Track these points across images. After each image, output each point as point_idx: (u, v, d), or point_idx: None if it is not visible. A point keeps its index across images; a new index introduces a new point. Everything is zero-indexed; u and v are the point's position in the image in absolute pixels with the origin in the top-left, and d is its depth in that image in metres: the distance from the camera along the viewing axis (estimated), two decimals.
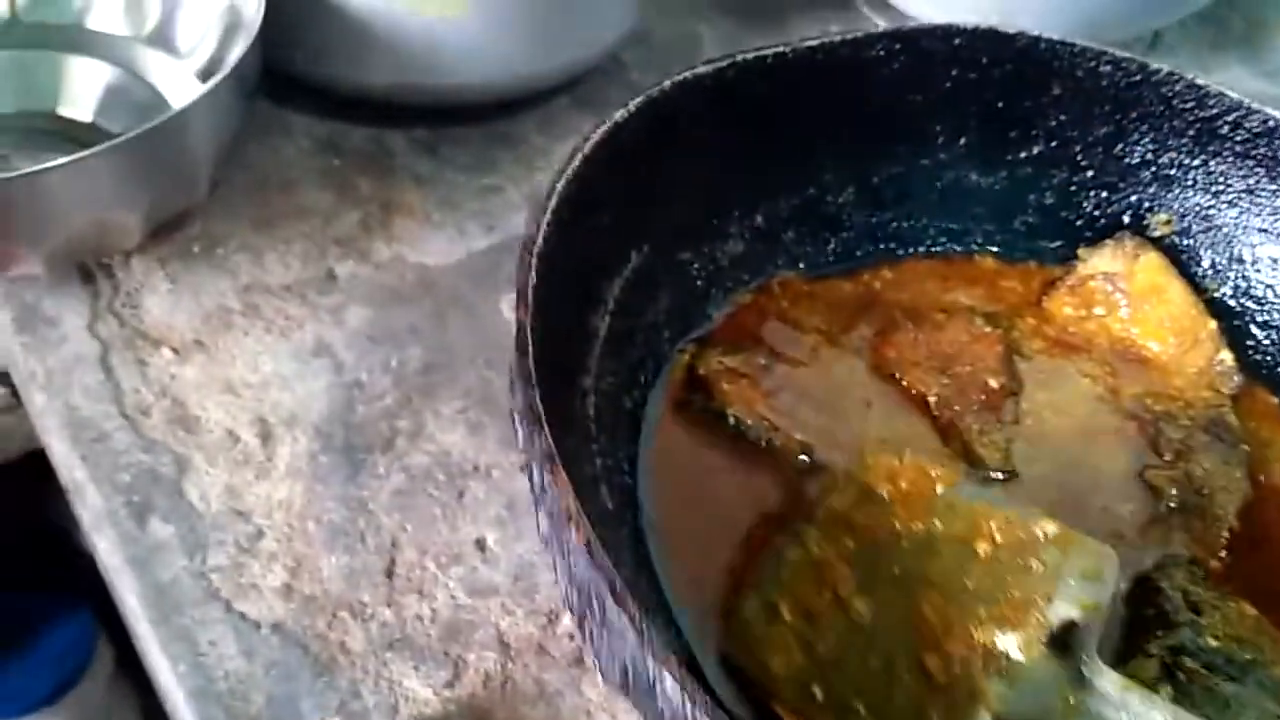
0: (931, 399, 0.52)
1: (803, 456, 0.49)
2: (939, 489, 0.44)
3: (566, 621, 0.49)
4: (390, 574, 0.50)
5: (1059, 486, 0.50)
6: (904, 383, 0.53)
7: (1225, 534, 0.49)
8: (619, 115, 0.45)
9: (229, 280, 0.60)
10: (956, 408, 0.51)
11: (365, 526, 0.51)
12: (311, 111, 0.71)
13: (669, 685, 0.28)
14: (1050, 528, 0.41)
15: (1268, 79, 0.87)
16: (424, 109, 0.70)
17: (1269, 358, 0.57)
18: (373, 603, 0.48)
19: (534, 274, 0.38)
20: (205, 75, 0.64)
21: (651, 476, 0.48)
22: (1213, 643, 0.42)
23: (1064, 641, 0.38)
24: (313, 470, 0.52)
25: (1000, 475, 0.50)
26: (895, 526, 0.43)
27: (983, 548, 0.41)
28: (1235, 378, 0.55)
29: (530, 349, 0.36)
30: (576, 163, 0.42)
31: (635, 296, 0.49)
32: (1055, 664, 0.38)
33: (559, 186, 0.41)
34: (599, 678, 0.34)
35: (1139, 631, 0.44)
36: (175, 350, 0.56)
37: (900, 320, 0.55)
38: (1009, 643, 0.38)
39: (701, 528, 0.47)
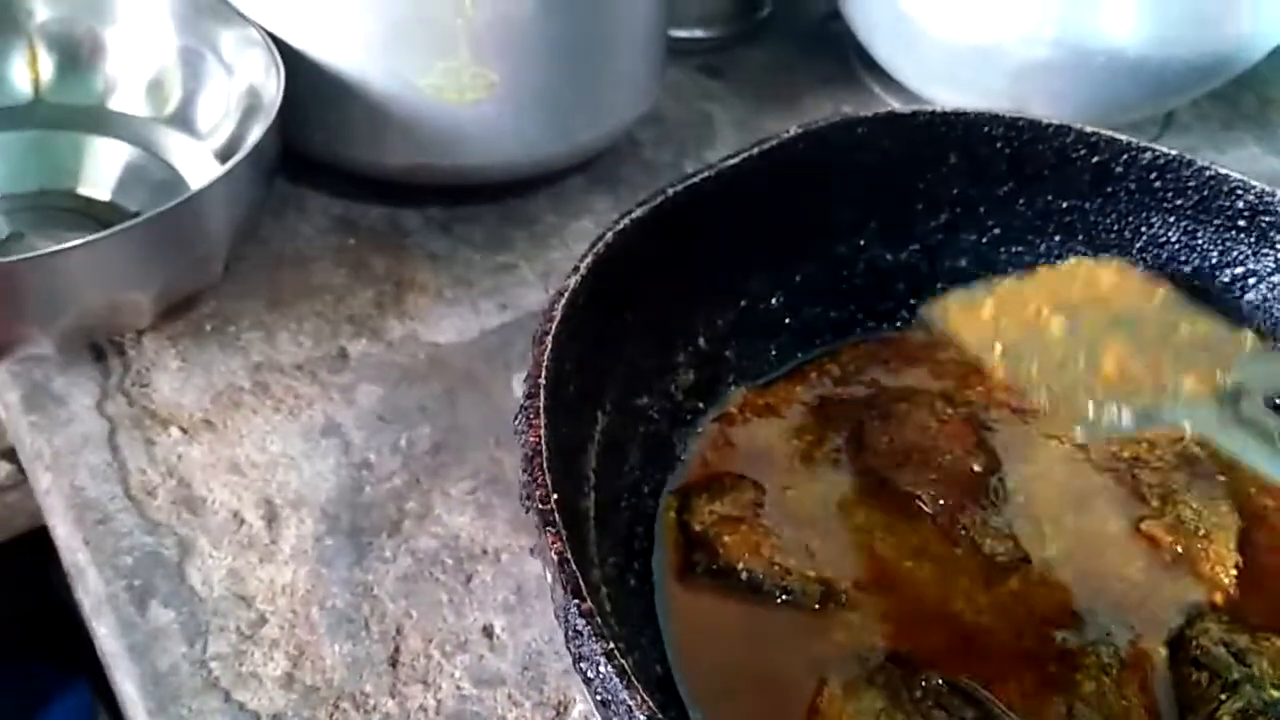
0: (924, 498, 0.51)
1: (822, 594, 0.47)
2: None
3: (575, 714, 0.47)
4: (394, 663, 0.48)
5: (1071, 562, 0.49)
6: (893, 486, 0.52)
7: (1233, 570, 0.48)
8: (571, 282, 0.43)
9: (240, 359, 0.60)
10: (950, 502, 0.50)
11: (370, 613, 0.50)
12: (327, 190, 0.71)
13: None
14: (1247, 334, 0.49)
15: (1278, 155, 0.88)
16: (440, 188, 0.71)
17: None
18: (375, 693, 0.47)
19: (550, 486, 0.36)
20: (224, 156, 0.65)
21: (681, 659, 0.45)
22: (1275, 693, 0.42)
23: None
24: (318, 554, 0.52)
25: (1016, 562, 0.49)
26: None
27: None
28: None
29: (578, 578, 0.34)
30: (549, 347, 0.40)
31: (609, 460, 0.47)
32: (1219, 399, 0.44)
33: (540, 384, 0.39)
34: None
35: (1201, 701, 0.43)
36: (183, 429, 0.56)
37: (868, 421, 0.54)
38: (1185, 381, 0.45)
39: (750, 703, 0.44)
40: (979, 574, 0.49)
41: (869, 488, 0.52)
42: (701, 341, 0.55)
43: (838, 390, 0.57)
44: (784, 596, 0.47)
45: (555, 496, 0.34)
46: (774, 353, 0.58)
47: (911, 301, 0.61)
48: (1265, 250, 0.57)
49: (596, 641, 0.30)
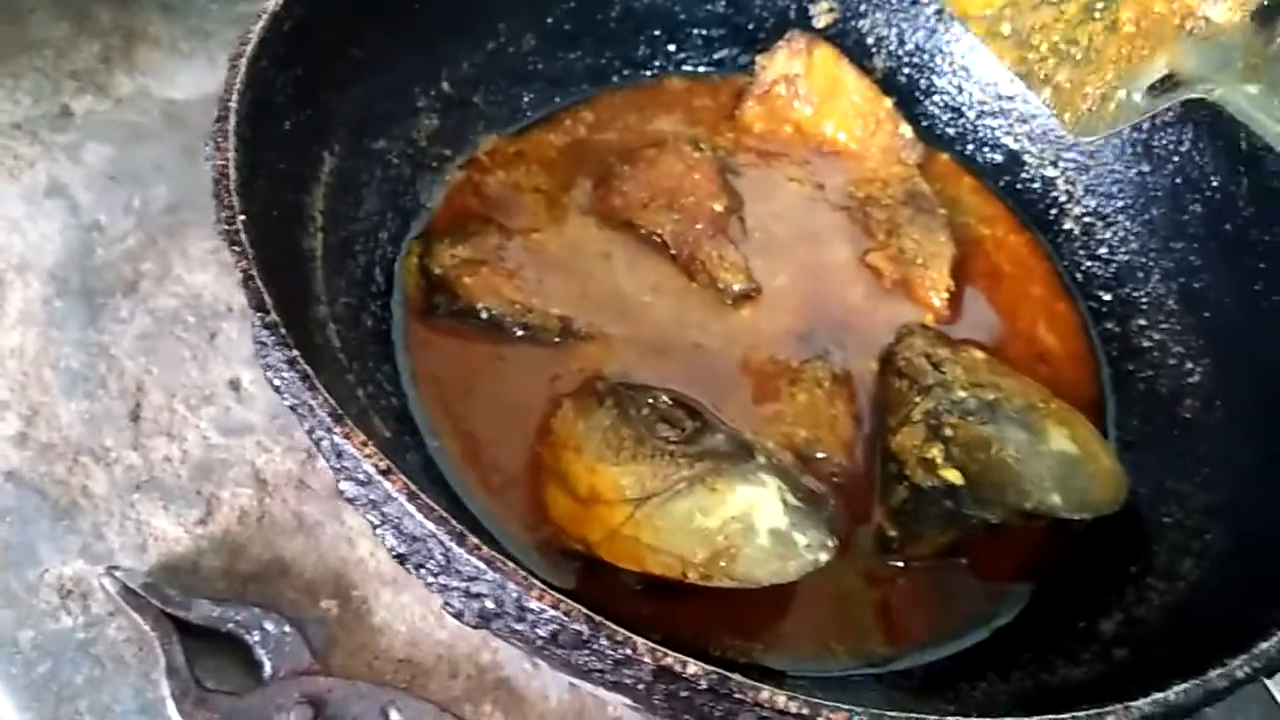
0: (666, 237, 0.52)
1: (562, 328, 0.49)
2: None
3: None
4: (136, 418, 0.48)
5: (799, 291, 0.52)
6: (636, 227, 0.53)
7: (945, 293, 0.53)
8: (273, 4, 0.40)
9: None
10: (690, 239, 0.52)
11: (107, 371, 0.49)
12: None
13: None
14: None
15: None
16: None
17: (939, 122, 0.61)
18: (117, 446, 0.47)
19: (236, 208, 0.34)
20: None
21: (419, 392, 0.46)
22: (961, 394, 0.46)
23: (1268, 15, 0.39)
24: (47, 316, 0.50)
25: (748, 292, 0.51)
26: None
27: None
28: (917, 147, 0.59)
29: (266, 300, 0.33)
30: (242, 73, 0.38)
31: (341, 203, 0.46)
32: (1252, 30, 0.39)
33: (231, 105, 0.37)
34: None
35: (899, 404, 0.47)
36: None
37: (616, 166, 0.55)
38: (1215, 9, 0.39)
39: (489, 430, 0.45)
40: (714, 305, 0.51)
41: (613, 229, 0.53)
42: (446, 85, 0.53)
43: (590, 136, 0.57)
44: (523, 332, 0.48)
45: (243, 218, 0.33)
46: (527, 100, 0.57)
47: (669, 48, 0.61)
48: None
49: (279, 350, 0.30)
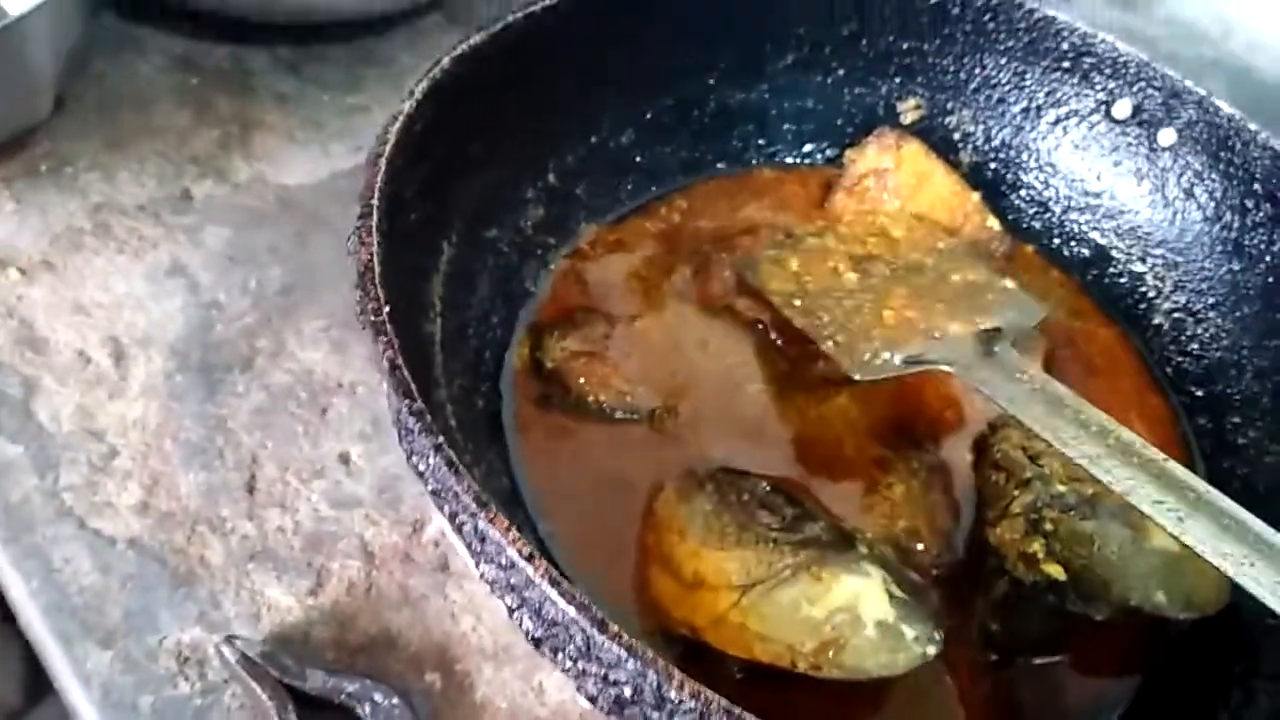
0: (767, 322, 0.54)
1: (667, 416, 0.50)
2: None
3: (431, 530, 0.50)
4: (251, 489, 0.50)
5: (896, 380, 0.52)
6: (737, 313, 0.55)
7: None
8: (407, 107, 0.43)
9: (79, 200, 0.58)
10: (790, 326, 0.53)
11: (224, 444, 0.51)
12: (167, 29, 0.68)
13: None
14: (1007, 283, 0.55)
15: (1122, 7, 0.91)
16: (288, 27, 0.69)
17: (1025, 215, 0.63)
18: (233, 517, 0.49)
19: (382, 299, 0.37)
20: None
21: (528, 474, 0.47)
22: (1060, 488, 0.46)
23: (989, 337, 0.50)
24: (169, 389, 0.52)
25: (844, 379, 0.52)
26: None
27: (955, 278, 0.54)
28: (1005, 240, 0.60)
29: (409, 382, 0.35)
30: (381, 171, 0.41)
31: (458, 290, 0.48)
32: (976, 341, 0.50)
33: (373, 202, 0.39)
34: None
35: (997, 498, 0.47)
36: (22, 271, 0.55)
37: (713, 254, 0.57)
38: (951, 326, 0.51)
39: (594, 513, 0.47)
40: (812, 390, 0.52)
41: (713, 315, 0.55)
42: (551, 177, 0.56)
43: (686, 225, 0.59)
44: (630, 416, 0.50)
45: (388, 309, 0.35)
46: (625, 190, 0.60)
47: (760, 141, 0.63)
48: (1085, 91, 0.60)
49: (425, 436, 0.32)
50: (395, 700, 0.43)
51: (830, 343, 0.51)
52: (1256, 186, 0.54)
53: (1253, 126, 0.54)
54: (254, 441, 0.51)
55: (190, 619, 0.45)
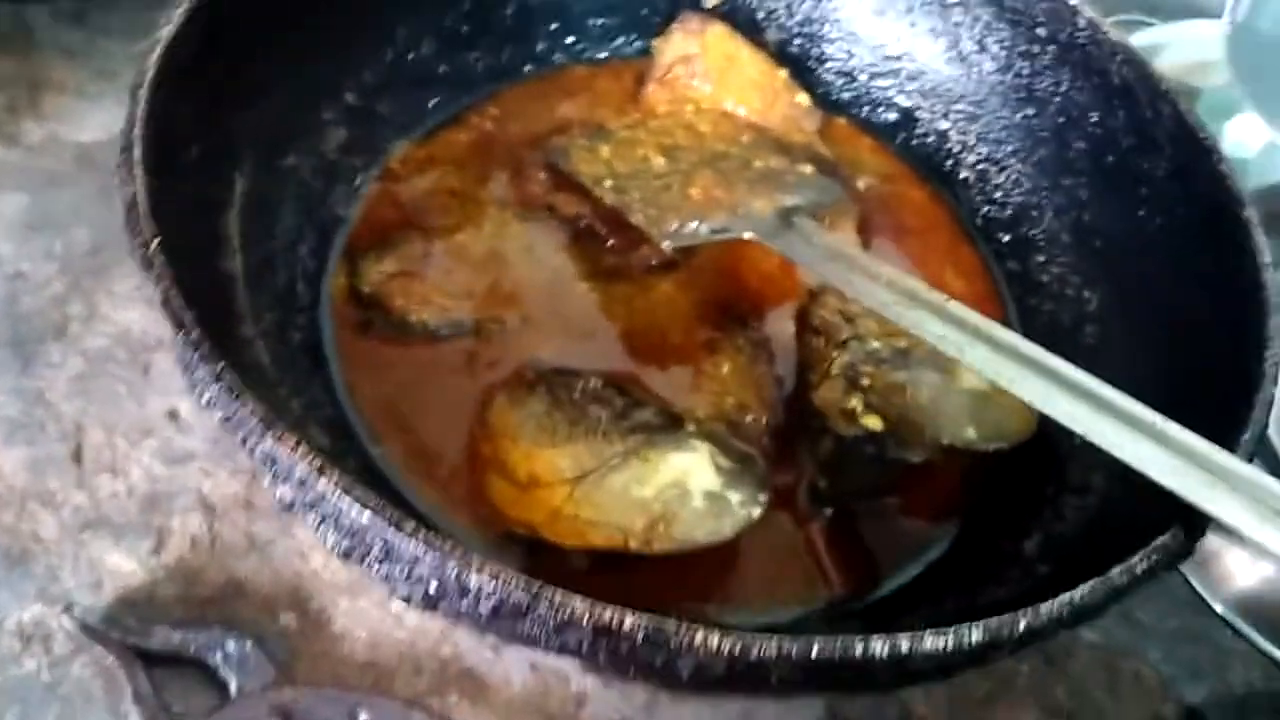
0: (584, 217, 0.54)
1: (493, 326, 0.50)
2: None
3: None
4: (78, 458, 0.48)
5: (716, 261, 0.54)
6: (556, 214, 0.54)
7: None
8: (167, 33, 0.41)
9: None
10: (610, 219, 0.53)
11: (45, 416, 0.49)
12: None
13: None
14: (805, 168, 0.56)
15: None
16: None
17: (834, 88, 0.64)
18: (62, 489, 0.47)
19: (149, 233, 0.35)
20: None
21: (355, 400, 0.46)
22: (875, 344, 0.48)
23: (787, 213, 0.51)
24: None
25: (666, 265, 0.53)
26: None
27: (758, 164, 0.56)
28: (815, 114, 0.61)
29: (186, 318, 0.34)
30: (143, 104, 0.38)
31: (256, 223, 0.46)
32: (776, 215, 0.51)
33: (136, 135, 0.37)
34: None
35: (818, 361, 0.49)
36: None
37: (528, 156, 0.56)
38: (755, 204, 0.52)
39: (428, 431, 0.46)
40: (636, 281, 0.53)
41: (533, 218, 0.55)
42: (350, 97, 0.54)
43: (499, 132, 0.58)
44: (455, 331, 0.50)
45: (157, 241, 0.34)
46: (432, 104, 0.58)
47: (567, 40, 0.62)
48: None
49: (203, 365, 0.31)
50: (248, 645, 0.43)
51: (640, 215, 0.52)
52: (1040, 30, 0.56)
53: None
54: (76, 409, 0.50)
55: (29, 596, 0.44)
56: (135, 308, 0.53)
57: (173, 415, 0.50)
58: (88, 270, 0.54)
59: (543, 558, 0.43)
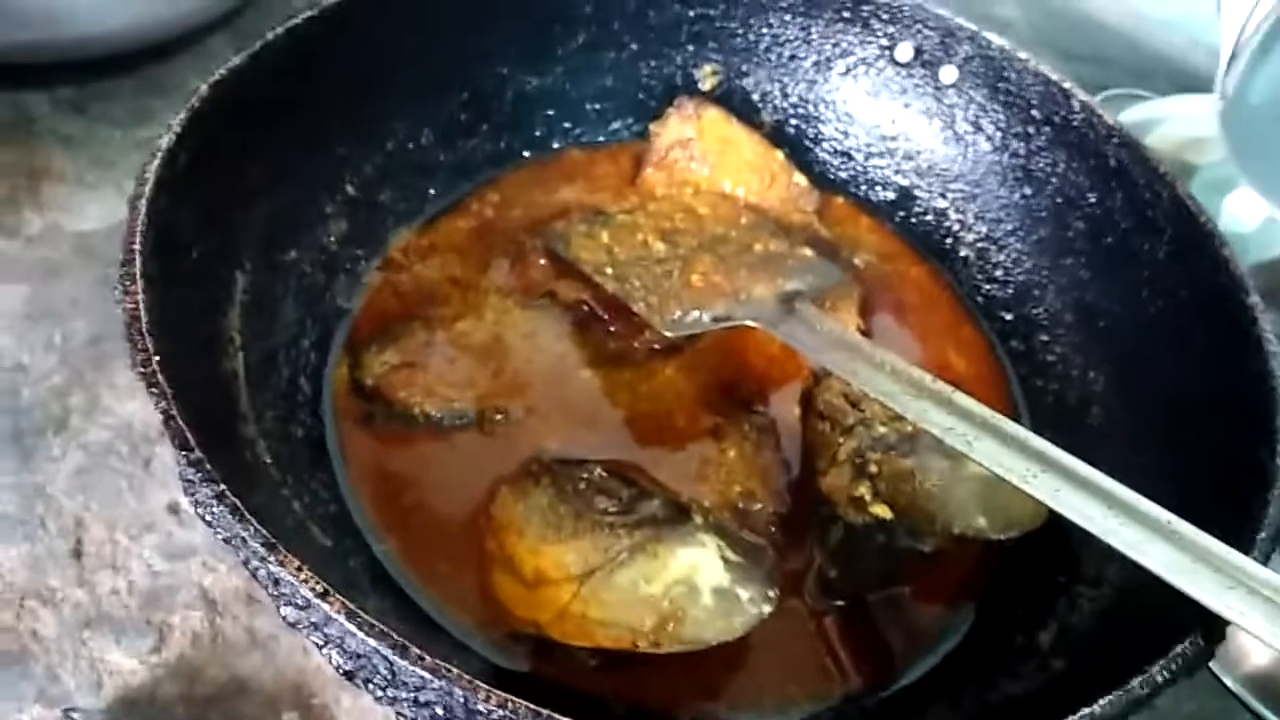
0: (590, 301, 0.54)
1: (497, 416, 0.50)
2: None
3: None
4: (78, 554, 0.48)
5: (718, 349, 0.54)
6: (559, 297, 0.54)
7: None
8: (165, 142, 0.41)
9: None
10: (614, 303, 0.53)
11: (45, 511, 0.49)
12: None
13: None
14: (805, 251, 0.57)
15: None
16: (64, 64, 0.65)
17: (831, 167, 0.64)
18: (62, 586, 0.47)
19: (151, 350, 0.34)
20: None
21: (357, 495, 0.46)
22: (881, 429, 0.48)
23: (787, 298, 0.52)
24: None
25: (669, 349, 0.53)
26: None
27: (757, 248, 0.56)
28: (813, 194, 0.61)
29: (183, 431, 0.33)
30: (142, 214, 0.38)
31: (258, 319, 0.46)
32: (778, 300, 0.52)
33: (135, 247, 0.37)
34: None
35: (824, 447, 0.49)
36: None
37: (528, 242, 0.57)
38: (755, 290, 0.53)
39: (432, 526, 0.46)
40: (640, 367, 0.53)
41: (535, 306, 0.55)
42: (350, 189, 0.54)
43: (499, 217, 0.59)
44: (458, 422, 0.49)
45: (157, 359, 0.34)
46: (432, 191, 0.58)
47: (564, 124, 0.63)
48: (868, 38, 0.61)
49: (206, 486, 0.31)
50: None
51: (642, 304, 0.52)
52: (1034, 112, 0.56)
53: (1023, 55, 0.56)
54: (76, 504, 0.49)
55: (28, 698, 0.44)
56: (136, 399, 0.53)
57: (174, 509, 0.50)
58: (88, 361, 0.54)
59: (550, 656, 0.43)
